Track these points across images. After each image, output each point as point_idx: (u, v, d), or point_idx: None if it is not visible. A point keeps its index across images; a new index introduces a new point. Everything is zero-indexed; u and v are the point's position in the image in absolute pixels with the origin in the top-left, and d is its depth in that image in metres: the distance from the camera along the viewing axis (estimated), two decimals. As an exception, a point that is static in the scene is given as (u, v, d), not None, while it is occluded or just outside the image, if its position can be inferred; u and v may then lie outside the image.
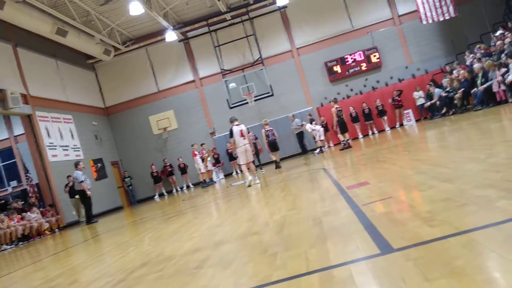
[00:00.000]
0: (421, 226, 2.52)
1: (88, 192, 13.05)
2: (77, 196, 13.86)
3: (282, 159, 18.28)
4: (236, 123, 10.82)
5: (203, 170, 16.54)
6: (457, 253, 1.95)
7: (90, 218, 13.38)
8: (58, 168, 15.46)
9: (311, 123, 17.05)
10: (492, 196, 2.74)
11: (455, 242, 2.09)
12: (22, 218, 12.98)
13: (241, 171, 15.47)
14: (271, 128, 15.29)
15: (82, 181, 12.93)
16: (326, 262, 2.41)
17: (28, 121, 15.38)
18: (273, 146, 15.03)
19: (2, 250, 11.47)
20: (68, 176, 14.54)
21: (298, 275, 2.30)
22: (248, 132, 11.35)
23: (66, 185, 14.80)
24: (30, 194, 16.23)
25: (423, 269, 1.85)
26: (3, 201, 16.08)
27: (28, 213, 13.45)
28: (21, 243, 12.18)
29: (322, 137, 16.51)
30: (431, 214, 2.70)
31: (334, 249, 2.64)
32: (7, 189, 23.77)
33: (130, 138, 21.27)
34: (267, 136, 15.03)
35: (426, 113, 17.66)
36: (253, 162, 12.41)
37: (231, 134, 10.73)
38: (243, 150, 10.64)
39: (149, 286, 3.05)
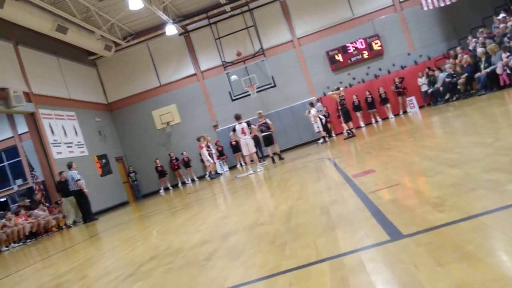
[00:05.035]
0: (430, 211, 2.51)
1: (86, 190, 12.96)
2: (71, 197, 13.65)
3: (285, 150, 18.29)
4: (240, 121, 12.50)
5: (211, 161, 16.43)
6: (468, 237, 1.94)
7: (90, 216, 13.36)
8: (63, 165, 15.46)
9: (317, 111, 16.96)
10: (500, 179, 2.72)
11: (465, 227, 2.08)
12: (29, 216, 13.05)
13: (245, 163, 15.42)
14: (264, 121, 14.15)
15: (78, 180, 12.90)
16: (336, 250, 2.40)
17: (32, 119, 15.40)
18: (267, 141, 14.17)
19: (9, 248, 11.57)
20: (61, 172, 14.09)
21: (308, 264, 2.30)
22: (249, 126, 12.66)
23: (57, 182, 14.30)
24: (36, 192, 16.29)
25: (435, 254, 1.85)
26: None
27: (35, 210, 13.53)
28: (29, 240, 12.26)
29: (321, 128, 16.37)
30: (440, 200, 2.69)
31: (343, 237, 2.63)
32: (13, 188, 23.93)
33: (134, 133, 21.30)
34: (261, 130, 14.03)
35: (430, 100, 17.56)
36: (257, 152, 14.09)
37: (234, 130, 12.62)
38: (245, 143, 12.45)
39: (159, 279, 3.06)
